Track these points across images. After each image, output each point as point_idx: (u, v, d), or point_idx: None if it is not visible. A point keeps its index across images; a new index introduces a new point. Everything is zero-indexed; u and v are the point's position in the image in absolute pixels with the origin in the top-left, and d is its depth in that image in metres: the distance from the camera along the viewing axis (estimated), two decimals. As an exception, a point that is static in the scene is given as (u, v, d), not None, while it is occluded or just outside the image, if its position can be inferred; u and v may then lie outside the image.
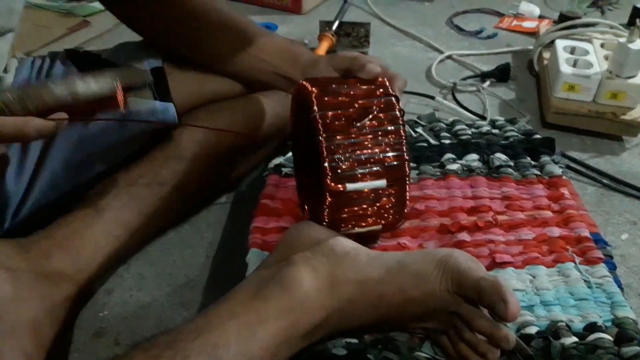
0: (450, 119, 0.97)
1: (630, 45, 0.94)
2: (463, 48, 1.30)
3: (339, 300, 0.52)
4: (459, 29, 1.40)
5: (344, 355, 0.57)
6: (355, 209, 0.61)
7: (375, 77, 0.64)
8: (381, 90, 0.63)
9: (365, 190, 0.60)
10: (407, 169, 0.62)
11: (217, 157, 0.75)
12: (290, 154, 0.85)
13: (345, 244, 0.57)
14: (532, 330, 0.59)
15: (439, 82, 1.16)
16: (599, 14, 1.48)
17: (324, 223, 0.61)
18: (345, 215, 0.61)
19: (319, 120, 0.59)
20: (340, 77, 0.67)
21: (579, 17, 1.17)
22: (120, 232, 0.66)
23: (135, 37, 0.82)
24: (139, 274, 0.72)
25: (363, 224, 0.63)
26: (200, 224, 0.79)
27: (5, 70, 0.69)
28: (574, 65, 1.01)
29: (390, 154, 0.61)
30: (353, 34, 1.24)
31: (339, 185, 0.58)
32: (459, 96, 1.11)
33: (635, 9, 1.28)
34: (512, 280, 0.65)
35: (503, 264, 0.67)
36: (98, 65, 0.76)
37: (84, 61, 0.76)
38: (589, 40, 1.09)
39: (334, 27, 1.20)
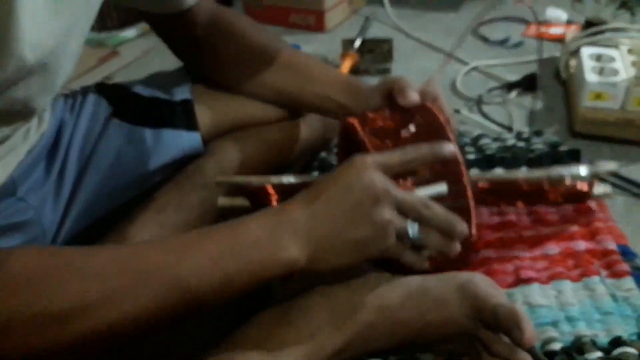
0: (475, 133, 0.97)
1: (657, 51, 0.93)
2: (489, 58, 1.29)
3: (359, 325, 0.53)
4: (484, 39, 1.40)
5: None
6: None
7: (411, 105, 0.65)
8: (424, 110, 0.64)
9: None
10: (463, 171, 0.60)
11: None
12: (314, 173, 0.87)
13: (365, 267, 0.58)
14: (557, 346, 0.59)
15: (464, 94, 1.16)
16: (628, 16, 1.46)
17: None
18: None
19: (366, 139, 0.61)
20: (384, 110, 0.67)
21: (605, 23, 1.16)
22: None
23: (162, 65, 0.85)
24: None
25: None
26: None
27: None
28: (600, 73, 1.00)
29: (442, 162, 0.59)
30: (377, 50, 1.26)
31: None
32: (484, 108, 1.11)
33: (664, 11, 1.26)
34: (537, 296, 0.64)
35: (528, 280, 0.67)
36: (128, 98, 0.79)
37: (114, 94, 0.79)
38: (616, 46, 1.08)
39: (357, 44, 1.22)
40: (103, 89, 0.80)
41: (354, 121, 0.63)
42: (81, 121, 0.75)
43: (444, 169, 0.60)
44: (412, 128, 0.62)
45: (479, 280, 0.55)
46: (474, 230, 0.62)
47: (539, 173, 0.71)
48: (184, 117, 0.78)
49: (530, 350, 0.51)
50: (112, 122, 0.76)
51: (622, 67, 1.00)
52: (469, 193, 0.61)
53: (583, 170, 0.71)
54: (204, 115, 0.79)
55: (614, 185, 0.89)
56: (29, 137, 0.68)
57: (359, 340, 0.53)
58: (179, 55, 0.84)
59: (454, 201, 0.59)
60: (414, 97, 0.65)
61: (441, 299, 0.54)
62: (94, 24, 0.63)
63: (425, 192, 0.57)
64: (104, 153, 0.74)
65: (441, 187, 0.57)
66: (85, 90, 0.79)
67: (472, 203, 0.61)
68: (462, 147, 0.62)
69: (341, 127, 0.68)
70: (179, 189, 0.73)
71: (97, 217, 0.72)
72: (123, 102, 0.78)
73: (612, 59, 1.03)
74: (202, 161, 0.76)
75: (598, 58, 1.04)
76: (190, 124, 0.78)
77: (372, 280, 0.56)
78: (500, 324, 0.50)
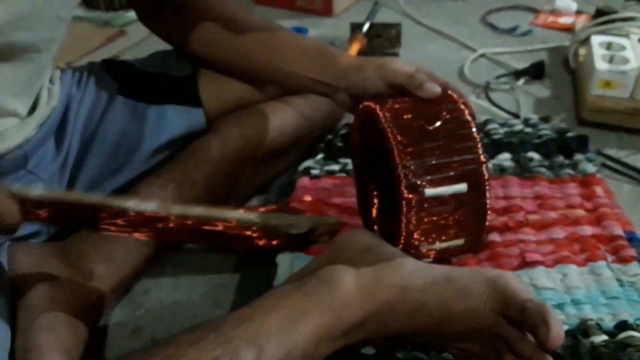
0: (483, 119, 0.96)
1: (668, 39, 0.92)
2: (497, 46, 1.29)
3: (380, 303, 0.52)
4: (493, 27, 1.39)
5: (372, 355, 0.58)
6: (435, 219, 0.59)
7: (435, 96, 0.62)
8: (447, 98, 0.62)
9: (445, 196, 0.58)
10: (485, 172, 0.59)
11: (246, 161, 0.77)
12: (320, 155, 0.87)
13: (393, 251, 0.57)
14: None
15: (471, 81, 1.15)
16: (638, 7, 1.45)
17: (402, 238, 0.59)
18: (425, 227, 0.59)
19: (389, 129, 0.58)
20: (405, 97, 0.63)
21: (616, 12, 1.15)
22: None
23: (168, 45, 0.85)
24: (174, 274, 0.74)
25: (444, 238, 0.60)
26: (232, 225, 0.81)
27: (51, 82, 0.72)
28: (610, 61, 0.99)
29: (465, 157, 0.58)
30: (384, 35, 1.25)
31: (416, 192, 0.57)
32: (492, 95, 1.10)
33: (675, 1, 1.25)
34: (543, 279, 0.64)
35: (533, 263, 0.67)
36: (133, 75, 0.79)
37: (119, 70, 0.79)
38: (627, 36, 1.07)
39: (365, 29, 1.21)
40: (109, 65, 0.80)
41: (376, 107, 0.60)
42: (86, 96, 0.75)
43: (467, 169, 0.59)
44: (437, 123, 0.59)
45: (509, 276, 0.52)
46: (487, 225, 0.62)
47: (252, 216, 0.66)
48: (187, 93, 0.78)
49: (558, 356, 0.48)
50: (116, 98, 0.75)
51: (633, 56, 0.99)
52: (488, 193, 0.60)
53: (304, 223, 0.68)
54: (207, 92, 0.79)
55: (620, 173, 0.88)
56: (40, 110, 0.68)
57: (378, 318, 0.52)
58: (153, 29, 0.83)
59: (474, 199, 0.59)
60: (435, 88, 0.62)
61: (466, 289, 0.52)
62: (101, 3, 0.64)
63: (447, 190, 0.58)
64: (107, 129, 0.74)
65: (462, 187, 0.58)
66: (91, 66, 0.79)
67: (489, 202, 0.60)
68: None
69: (360, 110, 0.65)
70: (182, 166, 0.73)
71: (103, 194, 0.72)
72: (128, 78, 0.78)
73: (622, 48, 1.02)
74: (206, 138, 0.76)
75: (608, 46, 1.04)
76: (194, 100, 0.77)
77: (397, 262, 0.55)
78: (527, 320, 0.48)
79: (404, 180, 0.57)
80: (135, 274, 0.68)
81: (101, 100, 0.76)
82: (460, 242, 0.61)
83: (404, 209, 0.57)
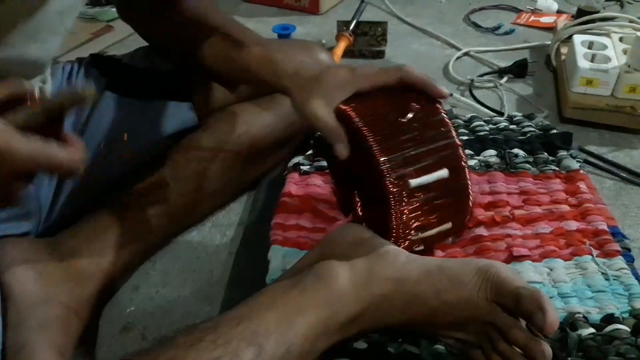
0: (468, 116, 0.98)
1: (649, 39, 0.94)
2: (480, 45, 1.30)
3: (375, 296, 0.53)
4: (476, 26, 1.40)
5: (364, 349, 0.58)
6: (422, 207, 0.60)
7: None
8: (409, 88, 0.62)
9: (428, 183, 0.59)
10: (461, 154, 0.60)
11: (237, 158, 0.77)
12: (309, 151, 0.87)
13: (385, 243, 0.57)
14: (550, 322, 0.60)
15: (456, 79, 1.16)
16: (618, 7, 1.47)
17: (393, 231, 0.59)
18: (413, 216, 0.60)
19: (364, 128, 0.59)
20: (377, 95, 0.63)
21: (597, 12, 1.17)
22: (144, 230, 0.68)
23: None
24: (164, 271, 0.74)
25: (433, 224, 0.61)
26: (221, 222, 0.81)
27: (42, 80, 0.71)
28: (592, 60, 1.01)
29: (441, 143, 0.59)
30: (370, 33, 1.25)
31: (401, 184, 0.57)
32: (476, 92, 1.11)
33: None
34: (530, 272, 0.65)
35: (520, 257, 0.68)
36: (121, 70, 0.78)
37: (107, 66, 0.78)
38: (608, 35, 1.09)
39: (351, 26, 1.22)
40: (97, 60, 0.79)
41: (347, 108, 0.60)
42: None
43: (445, 154, 0.60)
44: (409, 114, 0.61)
45: (500, 265, 0.54)
46: (470, 207, 0.63)
47: None
48: (177, 88, 0.77)
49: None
50: (105, 94, 0.75)
51: (614, 54, 1.01)
52: (468, 174, 0.61)
53: None
54: (197, 88, 0.79)
55: (602, 169, 0.90)
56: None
57: (374, 311, 0.53)
58: (132, 25, 0.80)
59: (455, 182, 0.60)
60: (444, 90, 0.62)
61: (460, 279, 0.53)
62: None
63: (430, 177, 0.58)
64: (97, 124, 0.73)
65: (443, 172, 0.59)
66: (80, 61, 0.79)
67: (469, 182, 0.62)
68: (457, 129, 0.61)
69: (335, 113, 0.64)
70: (173, 161, 0.73)
71: (91, 194, 0.72)
72: (116, 74, 0.77)
73: (604, 47, 1.04)
74: (197, 135, 0.76)
75: (590, 45, 1.06)
76: (184, 95, 0.77)
77: (391, 254, 0.56)
78: (521, 307, 0.49)
79: (387, 175, 0.57)
80: (126, 270, 0.68)
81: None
82: (448, 226, 0.62)
83: (392, 202, 0.58)
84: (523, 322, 0.51)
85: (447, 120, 0.61)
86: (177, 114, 0.76)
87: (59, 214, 0.70)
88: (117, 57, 0.82)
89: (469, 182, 0.61)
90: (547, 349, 0.49)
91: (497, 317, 0.52)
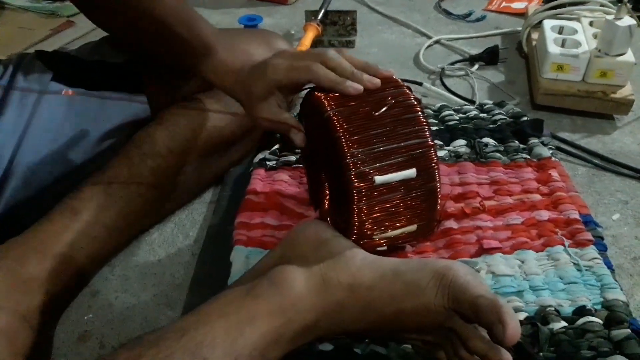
0: (438, 105, 0.96)
1: (618, 22, 0.92)
2: (452, 32, 1.28)
3: (329, 303, 0.50)
4: (447, 13, 1.38)
5: (330, 351, 0.56)
6: (386, 206, 0.57)
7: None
8: (390, 83, 0.60)
9: (394, 182, 0.56)
10: (433, 155, 0.57)
11: (195, 152, 0.74)
12: (275, 146, 0.84)
13: (344, 244, 0.55)
14: (521, 316, 0.58)
15: (427, 67, 1.14)
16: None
17: (355, 228, 0.57)
18: (377, 215, 0.57)
19: (334, 118, 0.56)
20: None
21: (567, -4, 1.15)
22: (99, 233, 0.65)
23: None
24: (123, 275, 0.71)
25: (397, 225, 0.59)
26: (184, 222, 0.78)
27: None
28: (562, 45, 1.00)
29: (413, 142, 0.57)
30: (339, 23, 1.22)
31: (366, 180, 0.55)
32: (447, 81, 1.09)
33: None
34: (501, 265, 0.64)
35: (491, 250, 0.66)
36: (68, 63, 0.74)
37: (53, 60, 0.74)
38: (578, 19, 1.08)
39: (320, 16, 1.19)
40: (42, 54, 0.76)
41: (320, 95, 0.58)
42: (16, 85, 0.70)
43: (416, 154, 0.57)
44: (383, 108, 0.58)
45: (459, 268, 0.50)
46: (439, 209, 0.60)
47: None
48: (128, 79, 0.74)
49: (518, 345, 0.46)
50: (50, 85, 0.71)
51: (584, 39, 1.00)
52: (438, 177, 0.58)
53: None
54: (150, 81, 0.76)
55: (574, 156, 0.89)
56: None
57: (330, 318, 0.51)
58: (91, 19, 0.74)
59: (424, 183, 0.58)
60: (387, 72, 0.60)
61: (416, 284, 0.50)
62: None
63: (396, 176, 0.56)
64: (42, 118, 0.69)
65: (411, 172, 0.56)
66: (21, 57, 0.75)
67: (439, 185, 0.59)
68: (429, 126, 0.58)
69: (304, 99, 0.63)
70: (128, 160, 0.69)
71: (40, 186, 0.68)
72: (62, 67, 0.73)
73: (574, 31, 1.03)
74: (151, 129, 0.73)
75: (560, 30, 1.04)
76: (135, 87, 0.74)
77: (347, 258, 0.53)
78: (480, 317, 0.46)
79: (352, 169, 0.55)
80: (80, 276, 0.65)
81: (32, 90, 0.71)
82: (413, 228, 0.60)
83: (355, 198, 0.56)
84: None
85: (423, 118, 0.58)
86: (130, 106, 0.73)
87: (3, 210, 0.66)
88: (64, 51, 0.78)
89: (439, 185, 0.58)
90: (508, 357, 0.47)
91: (456, 325, 0.49)
